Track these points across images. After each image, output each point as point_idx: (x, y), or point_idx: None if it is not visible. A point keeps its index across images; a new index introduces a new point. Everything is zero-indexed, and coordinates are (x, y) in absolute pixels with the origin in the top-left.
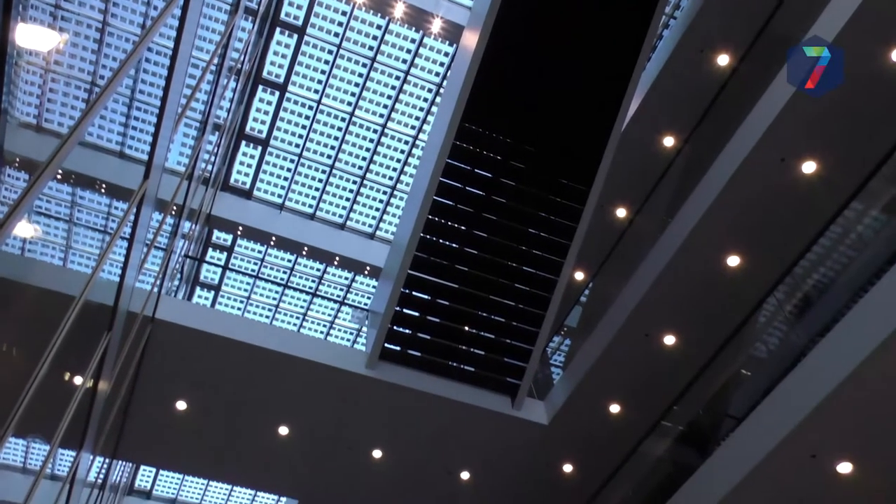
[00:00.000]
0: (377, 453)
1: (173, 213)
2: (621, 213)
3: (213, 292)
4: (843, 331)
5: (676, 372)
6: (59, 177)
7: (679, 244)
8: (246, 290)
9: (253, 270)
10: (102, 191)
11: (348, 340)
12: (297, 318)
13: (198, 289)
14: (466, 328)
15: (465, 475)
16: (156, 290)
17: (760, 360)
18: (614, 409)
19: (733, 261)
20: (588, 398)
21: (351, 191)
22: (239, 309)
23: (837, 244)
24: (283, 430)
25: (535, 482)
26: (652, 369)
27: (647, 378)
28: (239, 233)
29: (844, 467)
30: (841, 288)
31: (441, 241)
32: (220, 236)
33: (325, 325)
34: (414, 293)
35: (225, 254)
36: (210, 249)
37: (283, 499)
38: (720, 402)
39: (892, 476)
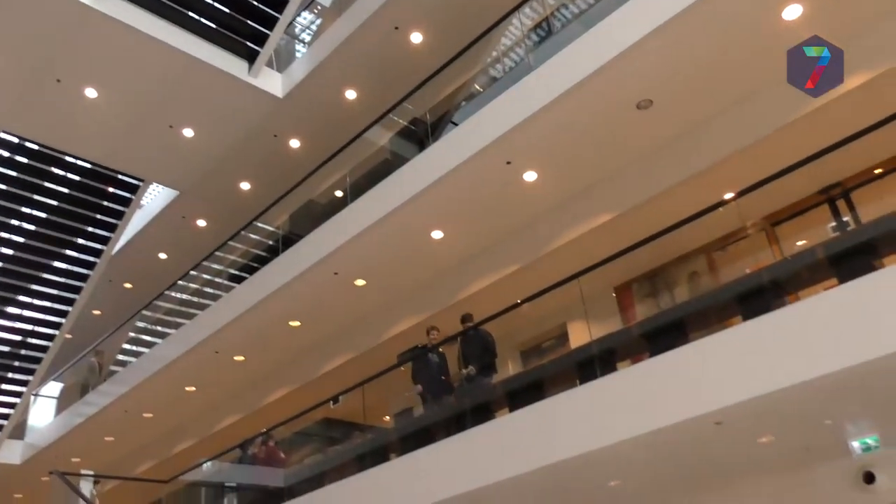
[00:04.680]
0: (91, 92)
1: None
2: None
3: None
4: (556, 62)
5: (416, 71)
6: None
7: None
8: None
9: None
10: None
11: None
12: None
13: None
14: None
15: (188, 132)
16: None
17: (494, 78)
18: (350, 94)
19: None
20: (327, 79)
21: None
22: None
23: None
24: None
25: (259, 151)
26: (394, 64)
27: (387, 71)
28: None
29: (530, 175)
30: (580, 24)
31: None
32: None
33: None
34: None
35: None
36: None
37: None
38: (448, 107)
39: (568, 187)
